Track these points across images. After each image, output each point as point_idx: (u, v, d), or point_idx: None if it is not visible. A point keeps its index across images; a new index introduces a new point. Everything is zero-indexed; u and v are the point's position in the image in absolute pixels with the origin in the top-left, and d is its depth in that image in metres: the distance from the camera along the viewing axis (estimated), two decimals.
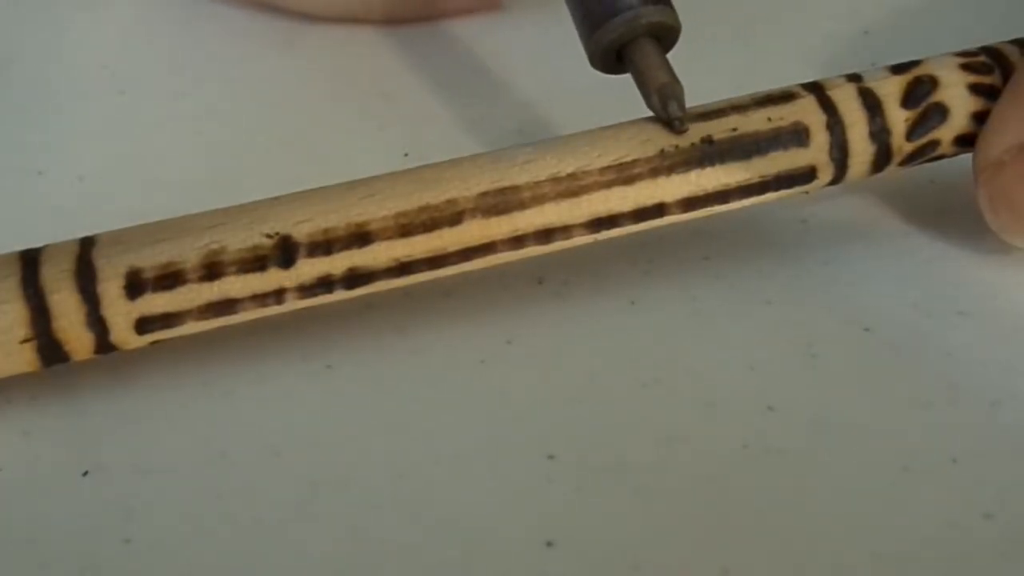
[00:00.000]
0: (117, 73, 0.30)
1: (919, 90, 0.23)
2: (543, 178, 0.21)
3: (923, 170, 0.24)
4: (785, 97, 0.22)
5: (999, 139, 0.22)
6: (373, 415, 0.21)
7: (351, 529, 0.19)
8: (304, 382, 0.22)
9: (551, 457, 0.20)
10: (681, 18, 0.23)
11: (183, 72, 0.30)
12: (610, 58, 0.23)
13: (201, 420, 0.21)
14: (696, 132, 0.22)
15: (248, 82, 0.29)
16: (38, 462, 0.21)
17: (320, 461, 0.21)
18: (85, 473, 0.20)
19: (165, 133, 0.28)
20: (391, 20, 0.31)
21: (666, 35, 0.23)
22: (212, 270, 0.20)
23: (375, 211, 0.21)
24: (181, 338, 0.21)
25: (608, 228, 0.21)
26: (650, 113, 0.22)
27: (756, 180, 0.22)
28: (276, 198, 0.21)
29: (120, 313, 0.20)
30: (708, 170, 0.22)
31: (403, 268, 0.21)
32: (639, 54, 0.22)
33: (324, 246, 0.20)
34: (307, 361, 0.22)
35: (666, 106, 0.22)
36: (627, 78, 0.23)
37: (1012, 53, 0.23)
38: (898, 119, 0.22)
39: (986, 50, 0.23)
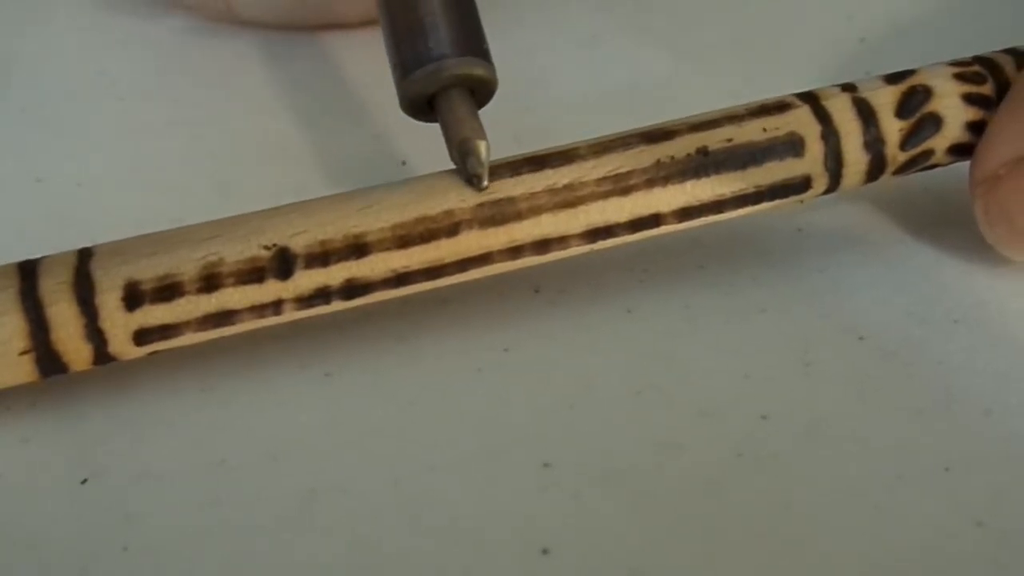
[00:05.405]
0: (116, 80, 0.30)
1: (913, 100, 0.23)
2: (539, 189, 0.21)
3: (917, 179, 0.24)
4: (780, 107, 0.22)
5: (995, 153, 0.22)
6: (371, 422, 0.21)
7: (349, 536, 0.20)
8: (302, 389, 0.22)
9: (547, 465, 0.21)
10: (676, 26, 0.23)
11: (181, 79, 0.30)
12: (420, 107, 0.23)
13: (200, 427, 0.21)
14: (691, 143, 0.22)
15: (246, 91, 0.29)
16: (37, 469, 0.21)
17: (318, 468, 0.21)
18: (84, 480, 0.21)
19: (164, 140, 0.28)
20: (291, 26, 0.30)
21: (480, 87, 0.23)
22: (210, 282, 0.20)
23: (372, 222, 0.21)
24: (180, 346, 0.21)
25: (604, 238, 0.22)
26: (647, 123, 0.22)
27: (751, 190, 0.22)
28: (274, 209, 0.21)
29: (118, 325, 0.20)
30: (703, 180, 0.22)
31: (400, 279, 0.21)
32: (445, 106, 0.22)
33: (321, 258, 0.20)
34: (305, 369, 0.22)
35: (465, 161, 0.21)
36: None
37: (1005, 63, 0.23)
38: (892, 129, 0.23)
39: (979, 59, 0.24)
